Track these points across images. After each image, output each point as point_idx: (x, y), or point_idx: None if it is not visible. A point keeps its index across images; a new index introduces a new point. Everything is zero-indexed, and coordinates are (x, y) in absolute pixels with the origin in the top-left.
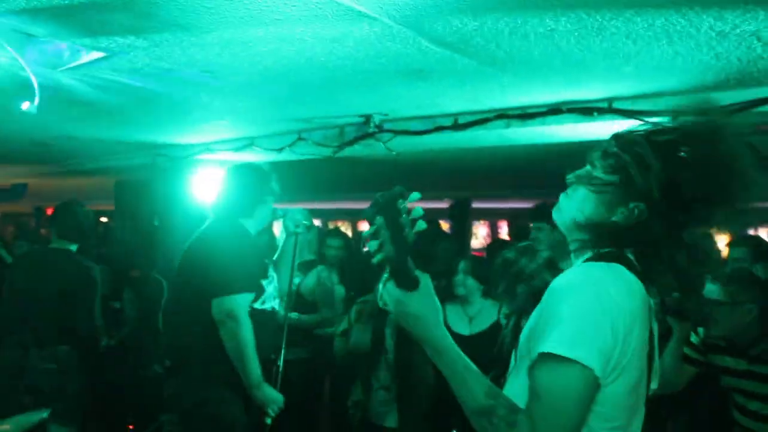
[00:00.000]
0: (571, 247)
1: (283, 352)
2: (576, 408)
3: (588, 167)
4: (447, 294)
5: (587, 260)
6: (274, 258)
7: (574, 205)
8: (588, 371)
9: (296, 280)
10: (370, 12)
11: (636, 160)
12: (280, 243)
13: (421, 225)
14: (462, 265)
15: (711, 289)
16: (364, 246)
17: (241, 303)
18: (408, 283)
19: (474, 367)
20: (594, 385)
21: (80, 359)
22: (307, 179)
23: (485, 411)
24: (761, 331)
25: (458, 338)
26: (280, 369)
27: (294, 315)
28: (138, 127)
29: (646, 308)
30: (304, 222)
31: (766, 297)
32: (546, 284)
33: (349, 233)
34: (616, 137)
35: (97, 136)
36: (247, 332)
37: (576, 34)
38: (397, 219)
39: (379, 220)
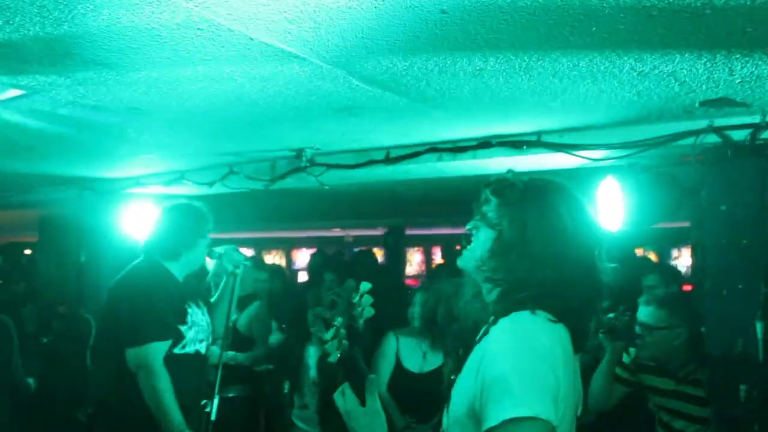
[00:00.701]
0: (489, 296)
1: (216, 397)
2: None
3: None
4: (399, 323)
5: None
6: (212, 299)
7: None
8: (546, 423)
9: (233, 317)
10: (299, 53)
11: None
12: (212, 279)
13: (369, 312)
14: (417, 297)
15: (644, 312)
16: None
17: (153, 353)
18: (359, 382)
19: None
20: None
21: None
22: (240, 209)
23: None
24: (689, 353)
25: (411, 376)
26: (212, 416)
27: (230, 353)
28: (63, 162)
29: (569, 346)
30: (244, 262)
31: (695, 321)
32: (473, 323)
33: (283, 262)
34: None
35: (19, 170)
36: (161, 382)
37: (504, 73)
38: (352, 313)
39: (339, 320)
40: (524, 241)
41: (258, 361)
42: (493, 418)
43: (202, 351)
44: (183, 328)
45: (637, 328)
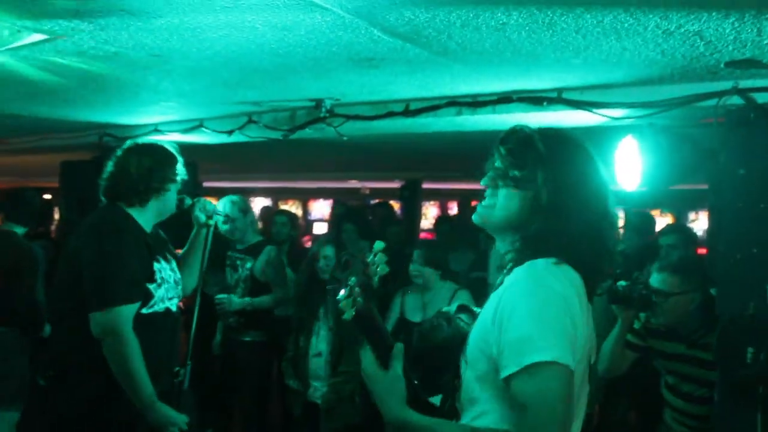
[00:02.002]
0: (509, 247)
1: (189, 364)
2: (565, 405)
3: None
4: (406, 281)
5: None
6: (182, 252)
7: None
8: (565, 367)
9: (248, 264)
10: (321, 2)
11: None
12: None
13: (384, 269)
14: (416, 255)
15: (657, 279)
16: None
17: (121, 317)
18: (378, 339)
19: (440, 421)
20: (571, 379)
21: (21, 340)
22: (257, 158)
23: None
24: (702, 318)
25: (411, 325)
26: (185, 385)
27: (246, 299)
28: (83, 107)
29: (584, 294)
30: (218, 212)
31: (708, 285)
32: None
33: (299, 212)
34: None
35: (41, 115)
36: (130, 349)
37: (527, 28)
38: (367, 272)
39: (353, 280)
40: (558, 199)
41: (278, 304)
42: (513, 364)
43: (173, 309)
44: (152, 286)
45: (652, 296)
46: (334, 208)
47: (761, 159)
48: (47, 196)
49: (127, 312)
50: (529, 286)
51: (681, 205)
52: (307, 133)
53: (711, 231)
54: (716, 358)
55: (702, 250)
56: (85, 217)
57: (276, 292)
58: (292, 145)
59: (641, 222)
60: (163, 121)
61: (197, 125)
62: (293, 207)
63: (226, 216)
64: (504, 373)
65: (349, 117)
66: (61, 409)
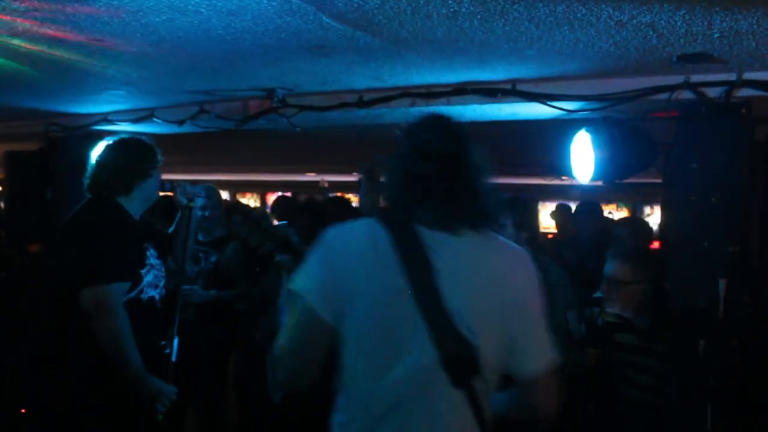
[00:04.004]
0: None
1: (176, 338)
2: (293, 330)
3: None
4: None
5: None
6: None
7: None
8: (303, 298)
9: (213, 257)
10: None
11: None
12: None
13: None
14: None
15: (610, 266)
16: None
17: (113, 293)
18: None
19: None
20: (311, 312)
21: None
22: (213, 150)
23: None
24: (655, 310)
25: None
26: (173, 357)
27: (211, 292)
28: (26, 95)
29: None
30: (197, 194)
31: (660, 276)
32: None
33: (258, 205)
34: None
35: None
36: (122, 323)
37: (479, 16)
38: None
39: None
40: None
41: (236, 300)
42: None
43: (156, 298)
44: (142, 271)
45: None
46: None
47: (713, 153)
48: None
49: (119, 289)
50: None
51: (636, 199)
52: (261, 123)
53: (664, 224)
54: (668, 350)
55: (656, 243)
56: (75, 209)
57: (240, 287)
58: (248, 138)
59: (587, 210)
60: (113, 110)
61: (148, 115)
62: (251, 200)
63: (207, 200)
64: None
65: (302, 107)
66: (54, 388)
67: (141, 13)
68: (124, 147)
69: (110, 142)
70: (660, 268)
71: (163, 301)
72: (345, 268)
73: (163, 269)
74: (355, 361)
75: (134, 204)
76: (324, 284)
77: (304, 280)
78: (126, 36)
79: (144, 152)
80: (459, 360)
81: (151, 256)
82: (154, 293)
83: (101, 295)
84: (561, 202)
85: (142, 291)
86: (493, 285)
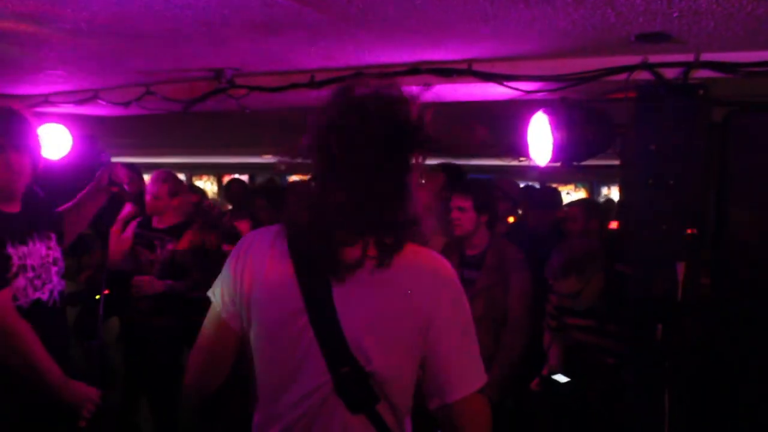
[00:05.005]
0: None
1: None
2: (207, 329)
3: None
4: None
5: None
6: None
7: None
8: (213, 302)
9: (170, 245)
10: None
11: None
12: None
13: None
14: None
15: (562, 287)
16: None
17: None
18: None
19: None
20: (216, 312)
21: None
22: (167, 132)
23: None
24: (611, 294)
25: None
26: (101, 346)
27: (168, 283)
28: None
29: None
30: (118, 183)
31: (609, 262)
32: None
33: (214, 188)
34: None
35: None
36: (25, 335)
37: None
38: None
39: None
40: None
41: (190, 289)
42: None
43: (45, 297)
44: (6, 276)
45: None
46: (230, 184)
47: (671, 135)
48: None
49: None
50: None
51: (594, 180)
52: (209, 105)
53: (621, 207)
54: (626, 333)
55: (614, 224)
56: None
57: (194, 275)
58: (202, 119)
59: (545, 196)
60: (55, 92)
61: (92, 96)
62: (207, 183)
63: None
64: None
65: (251, 88)
66: None
67: None
68: None
69: None
70: (604, 256)
71: (63, 297)
72: (252, 278)
73: (53, 259)
74: (262, 369)
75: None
76: (230, 291)
77: (216, 284)
78: (55, 12)
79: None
80: (351, 385)
81: (30, 254)
82: (40, 294)
83: None
84: (527, 184)
85: (19, 298)
86: (398, 306)
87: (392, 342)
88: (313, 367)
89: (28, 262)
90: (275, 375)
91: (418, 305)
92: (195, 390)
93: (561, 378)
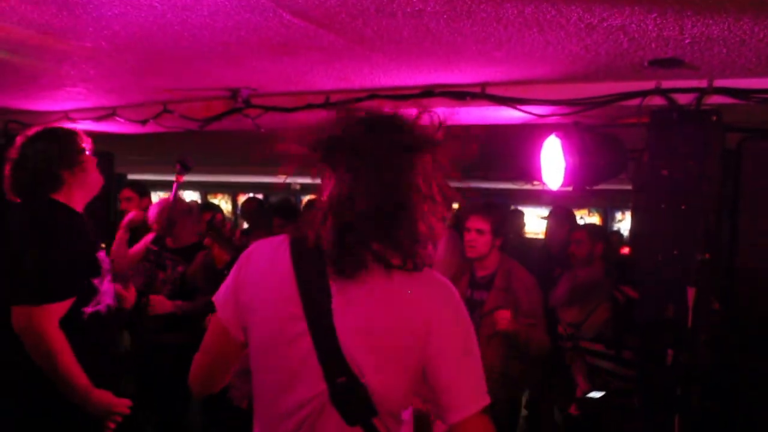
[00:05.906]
0: None
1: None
2: (210, 334)
3: None
4: None
5: None
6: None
7: None
8: (217, 310)
9: (181, 266)
10: None
11: None
12: None
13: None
14: None
15: (568, 316)
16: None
17: (44, 316)
18: None
19: None
20: (219, 324)
21: None
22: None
23: None
24: (619, 319)
25: None
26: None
27: (178, 303)
28: None
29: (286, 278)
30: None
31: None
32: None
33: (229, 207)
34: None
35: None
36: (55, 345)
37: (445, 16)
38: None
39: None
40: None
41: (201, 310)
42: None
43: (112, 304)
44: (95, 280)
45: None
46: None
47: (683, 160)
48: None
49: (53, 311)
50: None
51: (608, 205)
52: (225, 124)
53: (634, 231)
54: (637, 358)
55: (626, 250)
56: (11, 216)
57: (206, 296)
58: (219, 137)
59: (561, 216)
60: (75, 108)
61: (110, 113)
62: (222, 201)
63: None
64: None
65: (267, 108)
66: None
67: (91, 6)
68: (39, 139)
69: (24, 140)
70: (607, 285)
71: (117, 306)
72: (252, 286)
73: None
74: (259, 376)
75: (74, 198)
76: (232, 299)
77: (220, 292)
78: (77, 30)
79: (64, 140)
80: (347, 395)
81: (104, 260)
82: (111, 301)
83: (29, 318)
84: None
85: (99, 302)
86: (396, 322)
87: (387, 357)
88: (310, 375)
89: (105, 266)
90: (272, 381)
91: (417, 324)
92: (196, 389)
93: (596, 394)
